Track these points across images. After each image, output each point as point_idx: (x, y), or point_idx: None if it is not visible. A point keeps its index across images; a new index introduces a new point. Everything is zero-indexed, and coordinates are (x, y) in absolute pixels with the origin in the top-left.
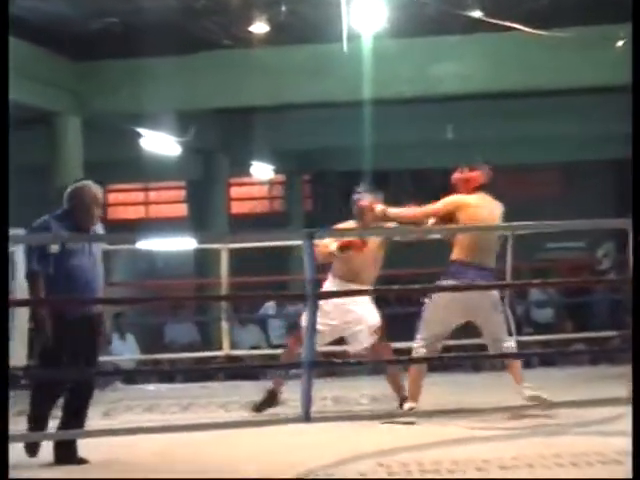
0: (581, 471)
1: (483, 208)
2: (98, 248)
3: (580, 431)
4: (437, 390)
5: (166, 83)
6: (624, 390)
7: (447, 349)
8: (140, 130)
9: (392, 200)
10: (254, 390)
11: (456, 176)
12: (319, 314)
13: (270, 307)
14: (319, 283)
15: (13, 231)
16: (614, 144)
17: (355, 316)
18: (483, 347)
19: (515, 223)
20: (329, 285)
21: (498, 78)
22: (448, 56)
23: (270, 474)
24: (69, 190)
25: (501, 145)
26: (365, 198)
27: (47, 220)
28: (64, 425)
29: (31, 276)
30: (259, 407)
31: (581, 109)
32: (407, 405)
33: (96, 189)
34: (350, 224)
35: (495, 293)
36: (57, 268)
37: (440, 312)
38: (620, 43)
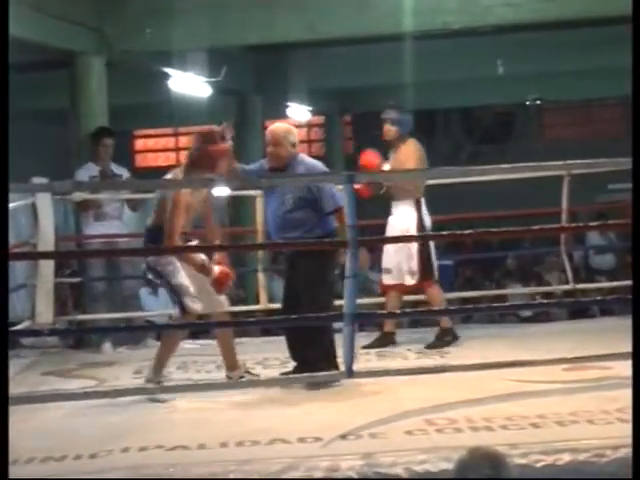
0: None
1: None
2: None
3: None
4: (483, 343)
5: (195, 19)
6: None
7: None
8: (168, 71)
9: (441, 139)
10: None
11: None
12: None
13: None
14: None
15: (37, 180)
16: None
17: None
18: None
19: (570, 162)
20: None
21: (551, 6)
22: None
23: (311, 434)
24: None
25: (558, 80)
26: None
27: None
28: None
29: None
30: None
31: None
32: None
33: None
34: None
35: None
36: None
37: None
38: None
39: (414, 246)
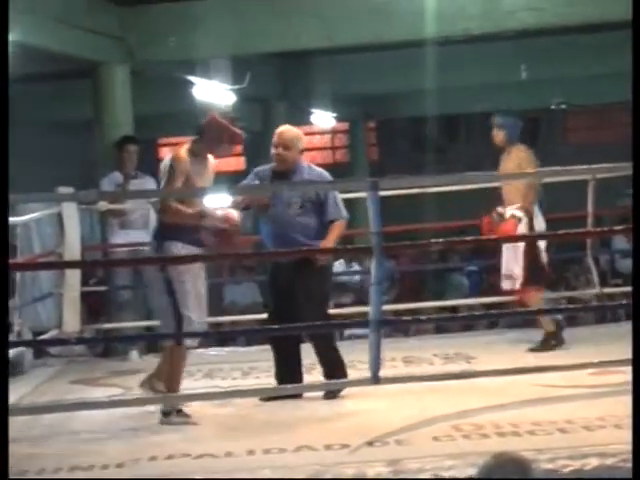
0: None
1: None
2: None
3: None
4: (509, 347)
5: (218, 27)
6: None
7: None
8: (192, 79)
9: (465, 145)
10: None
11: None
12: None
13: (337, 264)
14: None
15: (63, 189)
16: None
17: None
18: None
19: (595, 166)
20: None
21: (574, 10)
22: None
23: (338, 441)
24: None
25: (581, 84)
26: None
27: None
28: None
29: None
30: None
31: None
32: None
33: None
34: None
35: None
36: None
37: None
38: None
39: (520, 250)
